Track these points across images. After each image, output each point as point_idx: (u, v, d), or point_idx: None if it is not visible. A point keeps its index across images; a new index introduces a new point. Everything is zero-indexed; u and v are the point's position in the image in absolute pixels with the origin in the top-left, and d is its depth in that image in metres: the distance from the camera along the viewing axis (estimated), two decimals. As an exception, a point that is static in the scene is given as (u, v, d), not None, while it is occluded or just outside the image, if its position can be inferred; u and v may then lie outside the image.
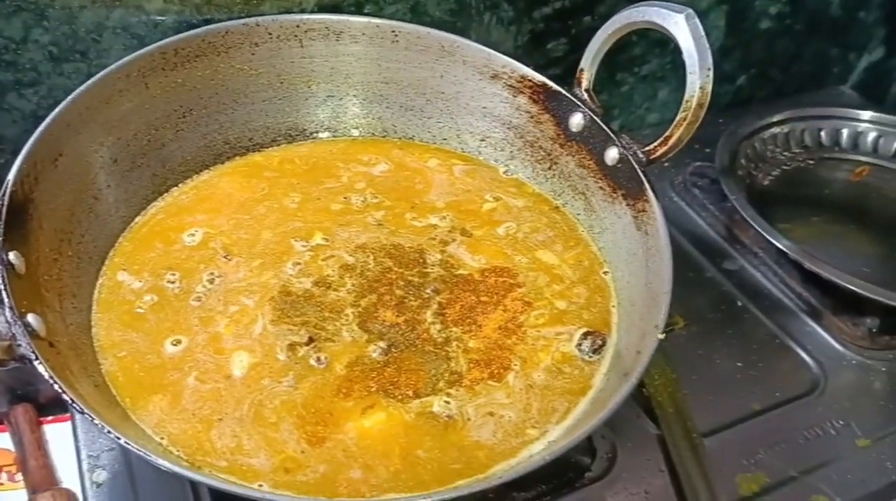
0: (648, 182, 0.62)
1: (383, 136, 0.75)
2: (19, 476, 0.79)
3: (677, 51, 0.95)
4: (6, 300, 0.46)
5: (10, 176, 0.52)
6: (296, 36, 0.69)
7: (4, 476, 0.80)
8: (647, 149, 0.63)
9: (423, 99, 0.74)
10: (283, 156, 0.72)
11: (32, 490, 0.76)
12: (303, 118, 0.73)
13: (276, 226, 0.65)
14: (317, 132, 0.74)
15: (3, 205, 0.50)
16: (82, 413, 0.43)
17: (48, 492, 0.74)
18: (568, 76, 0.74)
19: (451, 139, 0.75)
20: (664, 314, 0.54)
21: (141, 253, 0.61)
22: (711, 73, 0.60)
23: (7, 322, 0.46)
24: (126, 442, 0.42)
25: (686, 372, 0.70)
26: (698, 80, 0.60)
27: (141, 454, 0.43)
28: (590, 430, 0.48)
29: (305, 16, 0.69)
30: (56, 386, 0.44)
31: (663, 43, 0.92)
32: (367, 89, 0.74)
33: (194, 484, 0.57)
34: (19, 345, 0.45)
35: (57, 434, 0.82)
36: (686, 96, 0.61)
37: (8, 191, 0.51)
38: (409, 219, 0.68)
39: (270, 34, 0.68)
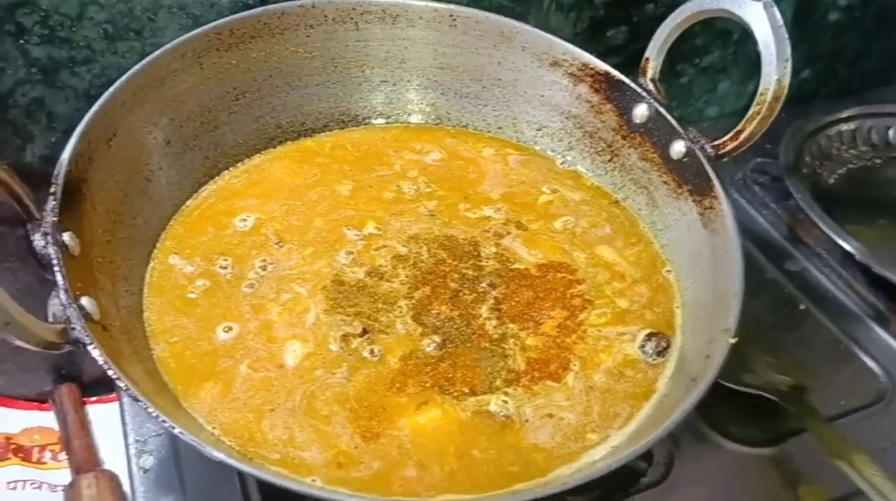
0: (718, 178, 0.60)
1: (436, 124, 0.73)
2: (63, 456, 0.79)
3: (741, 42, 0.91)
4: (61, 282, 0.45)
5: (65, 155, 0.51)
6: (352, 18, 0.67)
7: (48, 454, 0.80)
8: (716, 143, 0.61)
9: (479, 86, 0.72)
10: (334, 142, 0.70)
11: (76, 470, 0.75)
12: (355, 103, 0.71)
13: (328, 213, 0.64)
14: (369, 118, 0.72)
15: (58, 185, 0.49)
16: (137, 400, 0.42)
17: (91, 473, 0.74)
18: (627, 65, 0.71)
19: (506, 128, 0.73)
20: (735, 317, 0.51)
21: (193, 236, 0.60)
22: (790, 66, 0.57)
23: (62, 304, 0.45)
24: (181, 433, 0.41)
25: (745, 377, 0.67)
26: (775, 72, 0.57)
27: (195, 445, 0.41)
28: (657, 438, 0.45)
29: (363, -2, 0.68)
30: (110, 372, 0.43)
31: (726, 33, 0.89)
32: (422, 75, 0.72)
33: (241, 474, 0.56)
34: (73, 329, 0.44)
35: (100, 414, 0.82)
36: (761, 88, 0.58)
37: (63, 170, 0.50)
38: (463, 210, 0.66)
39: (326, 16, 0.66)
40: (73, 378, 0.80)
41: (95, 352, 0.43)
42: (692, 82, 0.92)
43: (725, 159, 0.61)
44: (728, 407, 0.63)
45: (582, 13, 0.80)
